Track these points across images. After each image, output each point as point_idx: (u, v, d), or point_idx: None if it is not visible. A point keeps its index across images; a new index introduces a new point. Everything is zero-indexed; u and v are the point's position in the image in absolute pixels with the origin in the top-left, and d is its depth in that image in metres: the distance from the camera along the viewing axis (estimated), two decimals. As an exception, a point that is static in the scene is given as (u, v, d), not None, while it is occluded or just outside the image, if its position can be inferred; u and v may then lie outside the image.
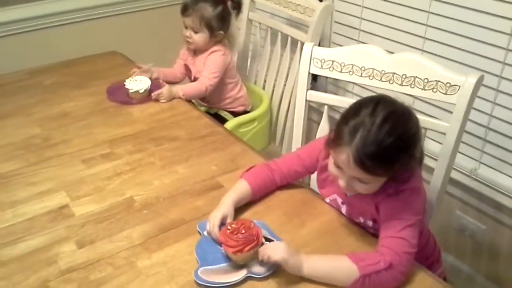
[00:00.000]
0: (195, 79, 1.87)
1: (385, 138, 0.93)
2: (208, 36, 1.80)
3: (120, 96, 1.69)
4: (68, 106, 1.63)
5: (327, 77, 1.72)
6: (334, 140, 0.99)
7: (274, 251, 0.94)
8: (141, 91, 1.66)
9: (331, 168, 1.03)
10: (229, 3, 1.86)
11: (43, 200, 1.20)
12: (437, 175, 1.24)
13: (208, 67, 1.81)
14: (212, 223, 1.04)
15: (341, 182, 1.01)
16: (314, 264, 0.96)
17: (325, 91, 2.04)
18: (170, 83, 1.82)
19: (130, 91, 1.67)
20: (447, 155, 1.20)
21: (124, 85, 1.69)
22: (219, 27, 1.80)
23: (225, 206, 1.08)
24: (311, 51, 1.36)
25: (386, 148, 0.93)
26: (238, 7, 1.90)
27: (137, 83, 1.68)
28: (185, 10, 1.80)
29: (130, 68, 1.86)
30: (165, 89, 1.68)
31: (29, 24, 2.29)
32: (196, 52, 1.89)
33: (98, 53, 2.06)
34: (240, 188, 1.14)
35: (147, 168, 1.33)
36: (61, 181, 1.27)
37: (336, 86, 2.09)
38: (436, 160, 1.25)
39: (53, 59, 2.01)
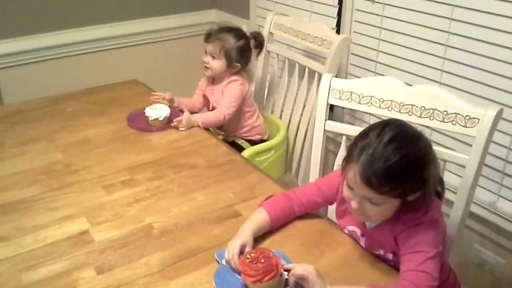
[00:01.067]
0: (213, 109, 1.90)
1: (391, 156, 0.95)
2: (225, 65, 1.85)
3: (140, 123, 1.72)
4: (89, 133, 1.67)
5: (343, 107, 1.74)
6: (344, 160, 1.03)
7: (303, 269, 0.96)
8: (160, 119, 1.69)
9: (345, 191, 1.05)
10: (252, 41, 1.92)
11: (64, 226, 1.21)
12: (457, 208, 1.23)
13: (226, 96, 1.85)
14: (231, 252, 1.04)
15: (353, 204, 1.02)
16: None
17: (342, 121, 2.05)
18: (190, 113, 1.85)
19: (150, 118, 1.70)
20: (467, 188, 1.20)
21: (144, 112, 1.72)
22: (237, 59, 1.85)
23: (244, 235, 1.08)
24: (330, 82, 1.38)
25: (391, 165, 0.95)
26: (260, 46, 1.97)
27: (157, 111, 1.71)
28: (208, 37, 1.87)
29: (150, 96, 1.91)
30: (184, 117, 1.71)
31: (52, 52, 2.36)
32: (214, 81, 1.93)
33: (118, 81, 2.11)
34: (259, 218, 1.14)
35: (166, 195, 1.34)
36: (82, 206, 1.29)
37: (353, 117, 2.10)
38: (455, 193, 1.24)
39: (75, 87, 2.05)
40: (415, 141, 1.00)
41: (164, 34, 2.65)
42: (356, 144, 1.00)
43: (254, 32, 1.98)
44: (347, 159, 1.02)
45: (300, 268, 0.97)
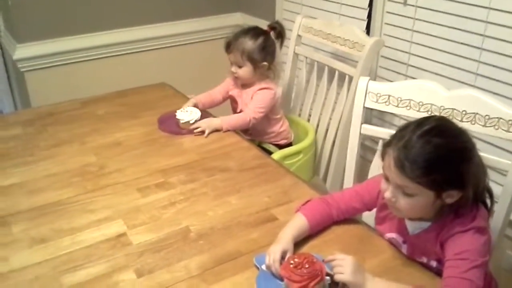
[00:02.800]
0: (240, 112, 1.88)
1: (426, 144, 0.96)
2: (252, 68, 1.82)
3: (170, 126, 1.72)
4: (120, 136, 1.67)
5: (372, 110, 1.72)
6: (383, 149, 1.04)
7: (341, 267, 0.97)
8: (192, 122, 1.69)
9: (382, 181, 1.05)
10: (271, 33, 1.88)
11: (101, 228, 1.21)
12: (497, 216, 1.20)
13: (257, 101, 1.82)
14: (272, 257, 1.03)
15: (387, 194, 1.02)
16: (378, 285, 0.96)
17: (370, 124, 2.02)
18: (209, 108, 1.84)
19: (181, 121, 1.70)
20: (509, 195, 1.17)
21: (175, 115, 1.72)
22: (262, 58, 1.82)
23: (285, 241, 1.07)
24: (367, 86, 1.36)
25: (425, 152, 0.95)
26: (281, 36, 1.91)
27: (188, 114, 1.71)
28: (227, 47, 1.84)
29: (179, 99, 1.91)
30: (203, 122, 1.69)
31: (79, 55, 2.38)
32: (243, 85, 1.91)
33: (147, 84, 2.11)
34: (298, 223, 1.13)
35: (201, 198, 1.34)
36: (118, 209, 1.29)
37: (381, 120, 2.07)
38: (496, 202, 1.21)
39: (103, 89, 2.07)
40: (455, 134, 1.00)
41: (191, 37, 2.66)
42: (396, 134, 1.02)
43: (271, 23, 1.92)
44: (386, 146, 1.03)
45: (338, 276, 0.97)
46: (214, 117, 1.77)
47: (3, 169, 1.48)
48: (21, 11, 2.20)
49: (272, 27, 1.89)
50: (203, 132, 1.68)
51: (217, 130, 1.70)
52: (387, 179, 1.02)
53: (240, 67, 1.83)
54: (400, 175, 0.97)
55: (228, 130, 1.72)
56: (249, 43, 1.81)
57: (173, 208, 1.29)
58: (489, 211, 1.06)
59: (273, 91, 1.85)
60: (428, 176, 0.95)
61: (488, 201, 1.07)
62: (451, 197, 0.98)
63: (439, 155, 0.95)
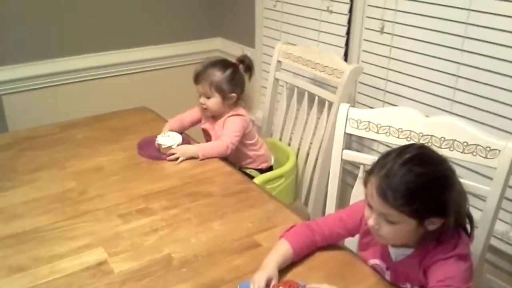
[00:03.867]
0: None
1: (408, 171, 0.97)
2: (221, 99, 1.82)
3: (150, 151, 1.71)
4: (101, 161, 1.66)
5: (351, 135, 1.74)
6: (365, 177, 1.05)
7: None
8: (174, 146, 1.69)
9: (366, 211, 1.06)
10: (240, 67, 1.89)
11: (81, 256, 1.19)
12: (477, 241, 1.22)
13: (229, 127, 1.81)
14: (257, 285, 1.03)
15: (370, 221, 1.04)
16: None
17: (350, 149, 2.05)
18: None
19: (163, 146, 1.69)
20: (488, 220, 1.20)
21: (155, 140, 1.72)
22: (231, 89, 1.82)
23: (269, 268, 1.07)
24: (347, 112, 1.39)
25: (407, 180, 0.97)
26: (249, 69, 1.92)
27: (170, 139, 1.71)
28: (196, 79, 1.85)
29: (160, 123, 1.91)
30: (178, 150, 1.68)
31: (57, 78, 2.37)
32: (214, 117, 1.89)
33: (127, 108, 2.10)
34: (282, 250, 1.13)
35: (183, 224, 1.33)
36: (99, 236, 1.27)
37: (361, 144, 2.11)
38: (476, 227, 1.24)
39: (81, 113, 2.05)
40: (436, 162, 1.02)
41: (171, 61, 2.67)
42: (378, 162, 1.04)
43: (240, 56, 1.93)
44: (368, 174, 1.04)
45: None
46: (196, 142, 1.76)
47: (-20, 195, 1.45)
48: None
49: (241, 61, 1.90)
50: (177, 159, 1.67)
51: (193, 158, 1.69)
52: (370, 206, 1.04)
53: (208, 98, 1.82)
54: (383, 204, 0.98)
55: (205, 158, 1.70)
56: (217, 74, 1.81)
57: (155, 234, 1.28)
58: (470, 236, 1.08)
59: (244, 117, 1.84)
60: (411, 205, 0.97)
61: (468, 227, 1.09)
62: (433, 224, 1.00)
63: (421, 184, 0.97)
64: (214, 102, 1.82)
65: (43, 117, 2.10)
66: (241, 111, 1.86)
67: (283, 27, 2.37)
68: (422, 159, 1.00)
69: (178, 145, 1.70)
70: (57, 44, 2.32)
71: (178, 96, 2.68)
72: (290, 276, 1.11)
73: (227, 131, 1.81)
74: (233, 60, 1.90)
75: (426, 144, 1.08)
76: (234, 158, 1.91)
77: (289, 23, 2.33)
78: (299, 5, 2.24)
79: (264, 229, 1.30)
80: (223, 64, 1.85)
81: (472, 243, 1.12)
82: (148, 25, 2.57)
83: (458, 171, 1.61)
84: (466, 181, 1.22)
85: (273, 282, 1.05)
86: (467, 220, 1.08)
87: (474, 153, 1.20)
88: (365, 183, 1.04)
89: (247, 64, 1.91)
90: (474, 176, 1.58)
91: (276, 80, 2.14)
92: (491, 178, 1.19)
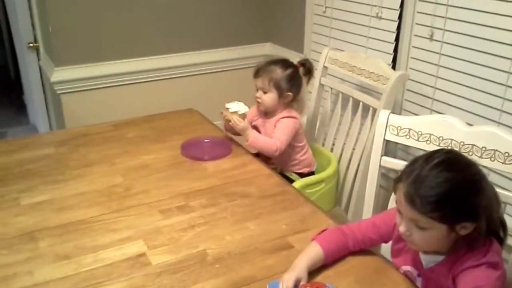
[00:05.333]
0: None
1: (436, 177, 0.96)
2: (277, 96, 1.87)
3: (193, 151, 1.76)
4: (148, 158, 1.73)
5: (396, 143, 1.73)
6: (394, 184, 1.04)
7: None
8: (240, 112, 1.79)
9: (397, 217, 1.06)
10: (300, 69, 1.94)
11: (122, 247, 1.25)
12: (517, 251, 1.19)
13: (281, 130, 1.85)
14: (285, 285, 1.04)
15: (401, 228, 1.04)
16: None
17: (394, 156, 2.03)
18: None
19: (230, 110, 1.79)
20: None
21: (199, 141, 1.82)
22: (288, 88, 1.87)
23: (299, 269, 1.08)
24: (388, 118, 1.38)
25: (435, 186, 0.96)
26: (309, 73, 1.97)
27: (238, 105, 1.80)
28: (256, 73, 1.91)
29: (205, 125, 1.97)
30: (244, 123, 1.79)
31: (113, 80, 2.48)
32: (267, 114, 1.95)
33: (176, 109, 2.18)
34: (313, 252, 1.14)
35: (220, 222, 1.37)
36: (140, 229, 1.33)
37: (406, 152, 2.07)
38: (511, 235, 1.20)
39: (135, 113, 2.14)
40: (464, 167, 1.00)
41: (221, 65, 2.74)
42: (406, 168, 1.03)
43: (302, 59, 1.98)
44: (396, 181, 1.04)
45: None
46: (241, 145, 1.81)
47: (35, 186, 1.55)
48: (60, 37, 2.32)
49: (302, 64, 1.95)
50: (229, 122, 1.80)
51: (239, 135, 1.84)
52: (400, 213, 1.03)
53: (265, 93, 1.88)
54: (412, 210, 0.98)
55: (251, 146, 1.79)
56: (278, 71, 1.87)
57: (192, 231, 1.32)
58: (503, 243, 1.05)
59: (296, 120, 1.89)
60: (439, 210, 0.96)
61: (501, 233, 1.06)
62: (465, 228, 0.99)
63: (449, 189, 0.96)
64: (270, 97, 1.87)
65: (99, 116, 2.22)
66: (294, 113, 1.91)
67: (332, 33, 2.38)
68: (449, 164, 0.99)
69: (244, 113, 1.80)
70: (112, 47, 2.45)
71: (227, 99, 2.74)
72: (319, 278, 1.12)
73: (279, 133, 1.85)
74: (295, 62, 1.95)
75: (454, 149, 1.07)
76: (278, 159, 1.94)
77: (338, 29, 2.33)
78: (348, 11, 2.25)
79: (297, 231, 1.32)
80: (284, 63, 1.91)
81: (504, 249, 1.09)
82: (199, 31, 2.65)
83: (500, 180, 1.58)
84: (505, 191, 1.19)
85: (302, 283, 1.06)
86: (500, 227, 1.05)
87: (516, 164, 1.17)
88: (394, 190, 1.04)
89: (307, 68, 1.96)
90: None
91: (322, 85, 2.15)
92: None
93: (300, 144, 1.96)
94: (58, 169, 1.65)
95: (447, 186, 0.96)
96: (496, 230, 1.05)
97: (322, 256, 1.14)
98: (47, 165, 1.69)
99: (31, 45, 2.83)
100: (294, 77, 1.90)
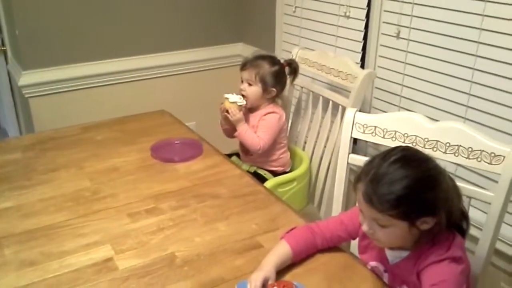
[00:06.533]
0: None
1: (391, 175, 0.98)
2: (261, 90, 1.90)
3: (163, 153, 1.75)
4: (117, 161, 1.71)
5: (367, 141, 1.75)
6: (354, 183, 1.06)
7: None
8: (239, 103, 1.85)
9: (359, 216, 1.07)
10: (286, 68, 1.98)
11: (89, 252, 1.24)
12: (482, 245, 1.21)
13: (266, 129, 1.89)
14: (253, 285, 1.04)
15: (363, 227, 1.05)
16: None
17: (365, 154, 2.05)
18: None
19: (230, 100, 1.83)
20: (492, 225, 1.18)
21: (169, 143, 1.81)
22: (273, 84, 1.91)
23: (267, 268, 1.09)
24: (354, 116, 1.39)
25: (391, 184, 0.97)
26: (294, 73, 2.02)
27: (237, 97, 1.85)
28: (244, 66, 1.94)
29: (176, 125, 1.96)
30: (240, 114, 1.86)
31: (83, 82, 2.45)
32: (250, 108, 1.97)
33: (147, 111, 2.16)
34: (281, 251, 1.14)
35: (189, 224, 1.36)
36: (107, 233, 1.31)
37: (376, 150, 2.09)
38: (481, 229, 1.23)
39: (106, 115, 2.12)
40: (420, 163, 1.02)
41: (192, 66, 2.73)
42: (364, 167, 1.05)
43: (289, 59, 2.04)
44: (356, 181, 1.05)
45: None
46: (208, 143, 1.80)
47: (1, 192, 1.51)
48: (27, 40, 2.28)
49: (288, 63, 2.00)
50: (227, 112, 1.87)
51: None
52: (361, 211, 1.04)
53: (250, 85, 1.89)
54: (371, 209, 0.99)
55: (237, 138, 1.91)
56: (265, 66, 1.91)
57: (161, 233, 1.31)
58: (465, 234, 1.07)
59: (277, 115, 1.92)
60: (397, 208, 0.97)
61: (464, 225, 1.08)
62: (426, 223, 1.00)
63: (405, 187, 0.97)
64: (255, 91, 1.91)
65: (68, 119, 2.18)
66: (278, 108, 1.95)
67: (302, 32, 2.39)
68: (405, 161, 1.00)
69: (241, 105, 1.86)
70: (80, 49, 2.41)
71: (200, 100, 2.74)
72: (288, 277, 1.13)
73: (263, 133, 1.89)
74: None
75: (410, 146, 1.08)
76: (260, 156, 1.95)
77: (308, 29, 2.34)
78: (317, 11, 2.26)
79: (267, 231, 1.32)
80: (272, 59, 1.96)
81: (470, 241, 1.11)
82: (169, 31, 2.63)
83: (465, 174, 1.61)
84: (470, 186, 1.22)
85: (270, 282, 1.06)
86: (463, 218, 1.07)
87: (479, 159, 1.19)
88: (355, 190, 1.05)
89: (293, 67, 2.02)
90: (479, 179, 1.57)
91: (292, 84, 2.16)
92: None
93: (283, 142, 2.00)
94: (25, 174, 1.62)
95: (403, 183, 0.97)
96: (457, 222, 1.07)
97: (291, 255, 1.15)
98: (13, 170, 1.66)
99: (-1, 48, 2.78)
100: (279, 74, 1.94)
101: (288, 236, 1.19)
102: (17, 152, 1.79)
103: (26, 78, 2.32)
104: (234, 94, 1.89)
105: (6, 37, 2.72)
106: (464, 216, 1.09)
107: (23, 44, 2.29)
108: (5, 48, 2.76)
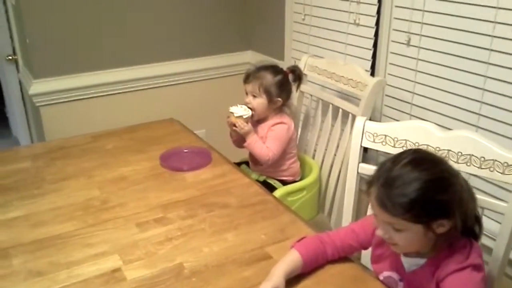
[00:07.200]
0: None
1: (403, 179, 0.96)
2: (267, 102, 1.89)
3: (172, 162, 1.75)
4: (126, 170, 1.71)
5: (377, 150, 1.73)
6: (366, 188, 1.04)
7: None
8: (244, 117, 1.84)
9: (374, 221, 1.06)
10: (290, 75, 1.96)
11: (98, 263, 1.23)
12: (496, 255, 1.19)
13: (275, 140, 1.88)
14: None
15: (378, 232, 1.04)
16: None
17: (376, 163, 2.02)
18: None
19: (235, 114, 1.82)
20: (506, 235, 1.16)
21: (179, 151, 1.80)
22: (278, 94, 1.89)
23: (276, 278, 1.07)
24: (364, 125, 1.38)
25: (404, 187, 0.96)
26: (298, 79, 2.01)
27: (242, 109, 1.84)
28: (247, 78, 1.93)
29: (186, 134, 1.95)
30: (248, 126, 1.85)
31: (93, 91, 2.45)
32: (259, 120, 1.95)
33: (157, 119, 2.16)
34: (291, 260, 1.13)
35: (198, 234, 1.35)
36: (116, 244, 1.31)
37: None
38: (494, 240, 1.20)
39: (116, 124, 2.13)
40: (431, 164, 1.00)
41: (201, 74, 2.72)
42: (375, 173, 1.03)
43: (291, 66, 2.02)
44: (368, 186, 1.04)
45: None
46: (218, 152, 1.80)
47: (10, 201, 1.52)
48: (37, 49, 2.29)
49: (291, 70, 1.99)
50: (234, 126, 1.86)
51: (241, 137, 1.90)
52: (375, 215, 1.03)
53: (254, 97, 1.89)
54: (385, 213, 0.98)
55: (247, 149, 1.91)
56: (268, 77, 1.89)
57: (170, 244, 1.30)
58: (479, 239, 1.06)
59: (286, 125, 1.90)
60: (411, 212, 0.96)
61: (477, 229, 1.07)
62: (442, 226, 0.99)
63: (417, 190, 0.95)
64: (260, 103, 1.89)
65: (79, 128, 2.19)
66: (286, 118, 1.93)
67: (311, 40, 2.38)
68: (416, 163, 0.98)
69: (248, 116, 1.85)
70: (90, 58, 2.42)
71: (210, 109, 2.74)
72: (297, 289, 1.11)
73: (272, 144, 1.88)
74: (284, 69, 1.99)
75: (420, 148, 1.07)
76: (269, 166, 1.94)
77: (317, 36, 2.33)
78: (327, 18, 2.25)
79: (276, 241, 1.31)
80: (274, 69, 1.94)
81: (490, 256, 1.09)
82: (179, 39, 2.63)
83: (478, 183, 1.58)
84: (483, 197, 1.19)
85: None
86: (476, 222, 1.05)
87: (492, 169, 1.17)
88: (368, 195, 1.04)
89: (297, 74, 2.01)
90: (493, 188, 1.54)
91: (302, 92, 2.15)
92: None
93: (292, 152, 1.98)
94: (34, 184, 1.63)
95: (416, 186, 0.96)
96: (473, 227, 1.05)
97: (301, 264, 1.13)
98: (23, 179, 1.66)
99: (10, 57, 2.80)
100: (283, 83, 1.92)
101: (298, 244, 1.17)
102: (26, 161, 1.80)
103: (37, 87, 2.33)
104: (239, 105, 1.87)
105: (17, 46, 2.74)
106: (477, 220, 1.07)
107: (34, 53, 2.30)
108: (16, 57, 2.78)
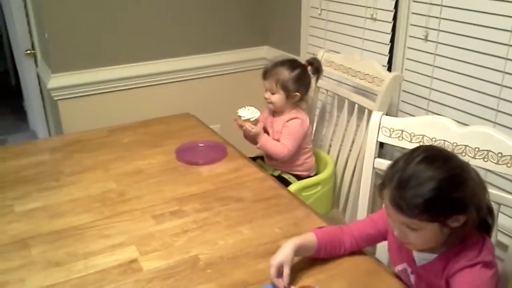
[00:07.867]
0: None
1: (416, 179, 0.95)
2: (284, 97, 1.89)
3: (188, 156, 1.76)
4: (142, 164, 1.72)
5: (394, 145, 1.72)
6: (379, 189, 1.03)
7: None
8: (252, 120, 1.83)
9: (389, 221, 1.05)
10: (309, 68, 1.95)
11: (114, 254, 1.25)
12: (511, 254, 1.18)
13: (291, 134, 1.89)
14: (270, 271, 1.06)
15: (395, 232, 1.03)
16: None
17: (392, 158, 2.01)
18: None
19: (243, 118, 1.83)
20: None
21: (194, 146, 1.82)
22: (295, 89, 1.89)
23: (283, 253, 1.08)
24: (380, 120, 1.37)
25: (418, 188, 0.95)
26: (317, 72, 2.00)
27: (250, 112, 1.84)
28: (264, 74, 1.93)
29: (201, 128, 1.96)
30: (256, 128, 1.86)
31: (110, 85, 2.48)
32: (275, 113, 1.97)
33: (172, 114, 2.18)
34: (304, 237, 1.14)
35: (213, 227, 1.36)
36: (132, 235, 1.32)
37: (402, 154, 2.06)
38: (510, 237, 1.19)
39: (132, 118, 2.15)
40: (444, 162, 0.99)
41: (218, 69, 2.73)
42: (387, 173, 1.02)
43: (310, 58, 2.01)
44: (381, 187, 1.03)
45: None
46: (233, 147, 1.81)
47: (29, 193, 1.55)
48: (56, 43, 2.32)
49: (310, 63, 1.97)
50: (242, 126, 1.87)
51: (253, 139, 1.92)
52: (389, 215, 1.03)
53: (273, 94, 1.90)
54: (400, 215, 0.98)
55: (260, 150, 1.91)
56: (285, 73, 1.89)
57: (185, 236, 1.32)
58: (491, 230, 1.05)
59: (300, 120, 1.90)
60: (427, 212, 0.95)
61: (489, 220, 1.06)
62: (457, 221, 0.98)
63: (431, 189, 0.95)
64: (278, 98, 1.90)
65: (96, 122, 2.21)
66: (302, 113, 1.94)
67: (327, 35, 2.37)
68: (428, 162, 0.97)
69: (256, 119, 1.85)
70: (108, 53, 2.44)
71: (226, 103, 2.74)
72: (311, 281, 1.12)
73: (287, 141, 1.88)
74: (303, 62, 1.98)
75: (431, 145, 1.06)
76: (285, 161, 1.94)
77: (333, 31, 2.32)
78: (343, 13, 2.24)
79: (290, 235, 1.29)
80: (292, 63, 1.93)
81: (506, 253, 1.08)
82: (195, 34, 2.64)
83: (494, 179, 1.56)
84: (499, 192, 1.18)
85: (286, 268, 1.07)
86: (488, 213, 1.05)
87: (509, 165, 1.16)
88: (380, 196, 1.03)
89: (316, 67, 1.99)
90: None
91: (317, 87, 2.14)
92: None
93: (308, 147, 1.98)
94: (52, 176, 1.65)
95: (430, 186, 0.95)
96: (485, 218, 1.04)
97: (315, 245, 1.14)
98: (41, 171, 1.69)
99: (29, 52, 2.84)
100: (301, 77, 1.92)
101: (316, 229, 1.18)
102: (45, 154, 1.83)
103: (55, 81, 2.36)
104: (247, 107, 1.88)
105: (36, 40, 2.78)
106: (490, 210, 1.06)
107: (52, 47, 2.33)
108: (35, 51, 2.82)
